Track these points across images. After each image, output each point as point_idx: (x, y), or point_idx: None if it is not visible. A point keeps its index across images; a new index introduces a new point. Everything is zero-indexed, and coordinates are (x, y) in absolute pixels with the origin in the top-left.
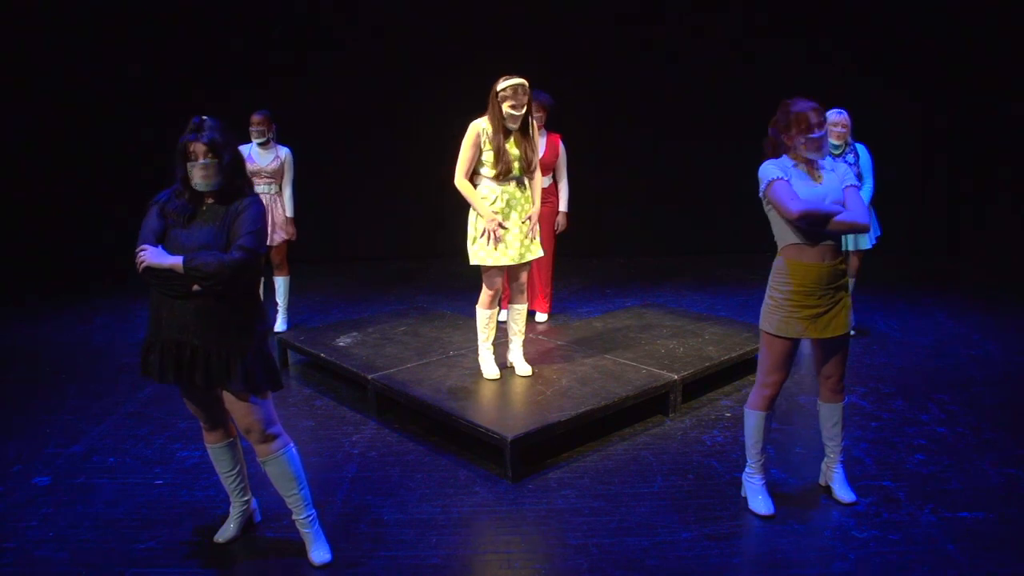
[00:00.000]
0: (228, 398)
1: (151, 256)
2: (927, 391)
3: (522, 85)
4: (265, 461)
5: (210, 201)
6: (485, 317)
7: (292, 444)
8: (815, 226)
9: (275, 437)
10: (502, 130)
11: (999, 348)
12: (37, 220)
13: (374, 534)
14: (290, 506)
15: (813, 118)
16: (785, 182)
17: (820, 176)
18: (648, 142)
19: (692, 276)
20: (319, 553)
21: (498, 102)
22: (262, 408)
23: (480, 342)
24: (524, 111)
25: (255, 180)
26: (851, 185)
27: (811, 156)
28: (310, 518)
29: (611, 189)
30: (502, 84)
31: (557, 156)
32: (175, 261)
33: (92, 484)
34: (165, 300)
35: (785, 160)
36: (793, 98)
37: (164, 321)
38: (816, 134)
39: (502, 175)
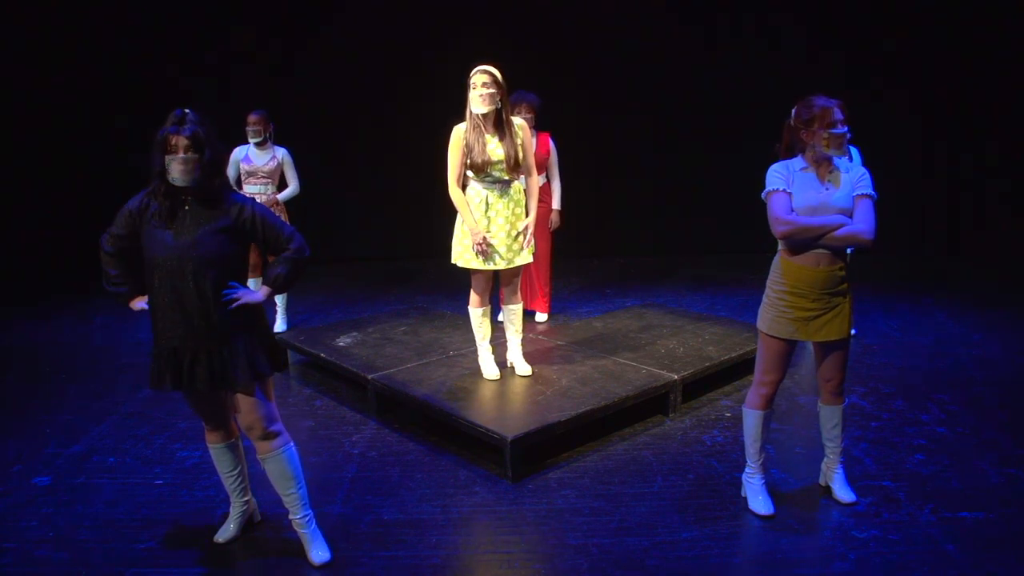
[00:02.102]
0: (239, 398)
1: (249, 298)
2: (927, 391)
3: (483, 70)
4: (265, 459)
5: (190, 199)
6: (477, 316)
7: (292, 443)
8: (804, 243)
9: (276, 435)
10: (476, 124)
11: (999, 348)
12: (37, 220)
13: (374, 534)
14: (287, 505)
15: (837, 114)
16: (783, 195)
17: (832, 179)
18: (648, 142)
19: (692, 276)
20: (318, 553)
21: (468, 94)
22: (265, 405)
23: (477, 342)
24: (491, 97)
25: (251, 180)
26: (865, 195)
27: (831, 153)
28: (307, 518)
29: (611, 189)
30: (471, 74)
31: (548, 155)
32: (260, 295)
33: (92, 484)
34: (162, 310)
35: (796, 162)
36: (814, 94)
37: (161, 331)
38: (839, 130)
39: (478, 171)
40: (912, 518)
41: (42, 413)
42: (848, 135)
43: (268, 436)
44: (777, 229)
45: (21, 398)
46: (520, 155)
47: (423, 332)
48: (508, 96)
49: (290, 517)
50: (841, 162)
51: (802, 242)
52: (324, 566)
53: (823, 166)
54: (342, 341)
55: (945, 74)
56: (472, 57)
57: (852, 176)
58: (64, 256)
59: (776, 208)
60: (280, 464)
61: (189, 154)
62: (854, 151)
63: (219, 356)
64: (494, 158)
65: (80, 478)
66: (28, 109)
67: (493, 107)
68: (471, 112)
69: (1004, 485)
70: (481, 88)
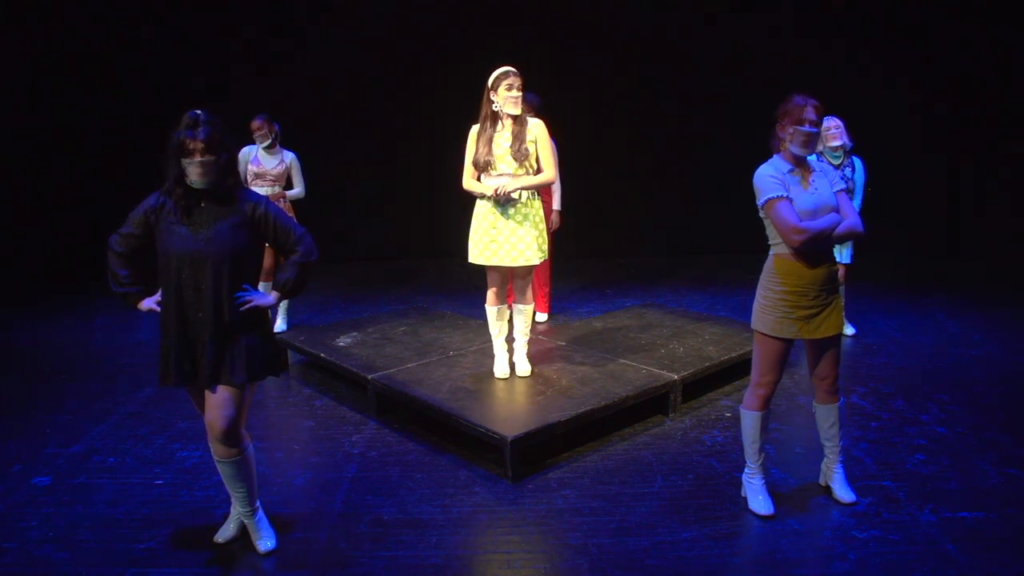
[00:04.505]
0: (210, 393)
1: (260, 301)
2: (927, 391)
3: (516, 72)
4: (219, 461)
5: (205, 197)
6: (491, 314)
7: (251, 448)
8: (815, 247)
9: (240, 440)
10: (495, 122)
11: (999, 348)
12: (37, 220)
13: (374, 534)
14: (233, 499)
15: (808, 113)
16: (788, 202)
17: (810, 180)
18: (648, 142)
19: (692, 276)
20: (264, 542)
21: (490, 94)
22: (234, 408)
23: (492, 339)
24: (521, 99)
25: (259, 182)
26: (841, 190)
27: (796, 150)
28: (250, 512)
29: (611, 189)
30: (493, 75)
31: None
32: (271, 299)
33: (92, 484)
34: (178, 304)
35: (779, 163)
36: (797, 92)
37: (176, 325)
38: (807, 127)
39: (487, 167)
40: (912, 518)
41: (42, 413)
42: (816, 138)
43: (227, 440)
44: (794, 239)
45: (21, 398)
46: (526, 146)
47: (423, 332)
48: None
49: (234, 508)
50: (811, 161)
51: (814, 246)
52: (269, 553)
53: (804, 166)
54: (342, 341)
55: (945, 74)
56: (472, 57)
57: (827, 173)
58: (64, 256)
59: (789, 217)
60: (232, 469)
61: (206, 157)
62: (857, 163)
63: (223, 351)
64: (497, 151)
65: (80, 478)
66: (28, 110)
67: (520, 109)
68: (490, 112)
69: (1004, 485)
70: (516, 91)
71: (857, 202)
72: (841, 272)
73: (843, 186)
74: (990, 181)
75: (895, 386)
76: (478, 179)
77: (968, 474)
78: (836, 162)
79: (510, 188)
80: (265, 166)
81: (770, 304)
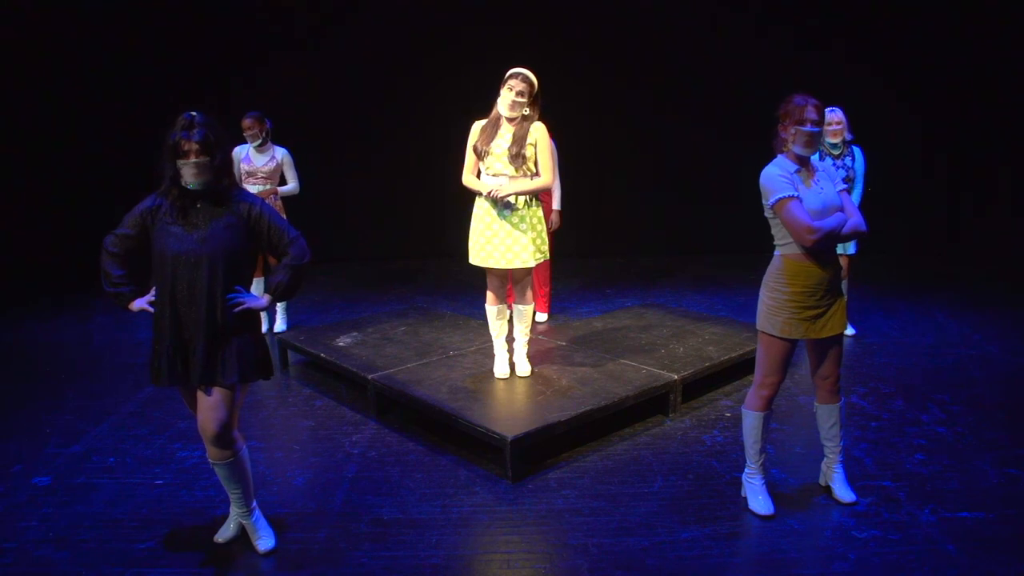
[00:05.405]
0: (202, 395)
1: (252, 304)
2: (927, 391)
3: (520, 73)
4: (214, 464)
5: (200, 198)
6: (490, 314)
7: (245, 449)
8: (825, 246)
9: (231, 442)
10: (496, 117)
11: (999, 348)
12: (37, 220)
13: (374, 534)
14: (231, 500)
15: (809, 112)
16: (799, 202)
17: (814, 180)
18: (648, 142)
19: (692, 276)
20: (264, 541)
21: (501, 87)
22: (226, 410)
23: (492, 339)
24: (518, 106)
25: (251, 180)
26: (843, 189)
27: (799, 150)
28: (246, 512)
29: (610, 189)
30: (510, 74)
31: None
32: (263, 302)
33: (92, 484)
34: (172, 305)
35: (785, 163)
36: (798, 92)
37: (169, 325)
38: (808, 127)
39: (483, 157)
40: (912, 518)
41: (42, 413)
42: (818, 137)
43: (219, 442)
44: (808, 238)
45: (21, 398)
46: (525, 151)
47: (423, 332)
48: (536, 104)
49: (233, 509)
50: (814, 160)
51: (825, 245)
52: (269, 553)
53: (807, 165)
54: (342, 341)
55: (945, 74)
56: (472, 57)
57: (829, 173)
58: (64, 256)
59: (802, 216)
60: (226, 471)
61: (201, 158)
62: (857, 152)
63: (215, 352)
64: (495, 150)
65: (80, 478)
66: (27, 110)
67: (517, 115)
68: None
69: (1004, 485)
70: (516, 96)
71: (858, 192)
72: (845, 265)
73: (845, 186)
74: (990, 181)
75: (895, 386)
76: (478, 175)
77: (968, 474)
78: (836, 152)
79: (503, 193)
80: (256, 164)
81: (778, 305)
